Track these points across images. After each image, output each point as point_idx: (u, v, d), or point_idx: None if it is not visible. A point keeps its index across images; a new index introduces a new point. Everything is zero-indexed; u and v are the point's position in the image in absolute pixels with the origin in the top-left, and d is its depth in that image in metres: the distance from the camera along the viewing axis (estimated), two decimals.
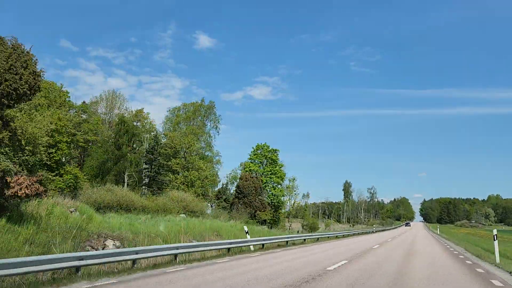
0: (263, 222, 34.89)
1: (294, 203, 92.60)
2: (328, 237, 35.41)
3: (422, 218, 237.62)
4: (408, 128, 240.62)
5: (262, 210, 34.07)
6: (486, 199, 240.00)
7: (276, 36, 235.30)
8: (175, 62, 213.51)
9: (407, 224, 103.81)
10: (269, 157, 43.42)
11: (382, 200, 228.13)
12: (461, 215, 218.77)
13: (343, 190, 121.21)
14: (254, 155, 43.46)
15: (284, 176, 43.38)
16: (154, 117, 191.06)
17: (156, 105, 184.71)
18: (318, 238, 31.60)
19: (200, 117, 41.65)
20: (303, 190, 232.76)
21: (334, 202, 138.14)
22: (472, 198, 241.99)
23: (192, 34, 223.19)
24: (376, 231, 63.79)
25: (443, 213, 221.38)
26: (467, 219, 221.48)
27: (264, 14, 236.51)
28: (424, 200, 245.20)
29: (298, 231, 43.44)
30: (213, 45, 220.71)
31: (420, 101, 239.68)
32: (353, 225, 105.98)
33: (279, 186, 42.26)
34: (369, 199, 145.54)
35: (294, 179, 47.38)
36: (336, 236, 38.73)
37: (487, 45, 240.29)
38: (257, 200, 34.57)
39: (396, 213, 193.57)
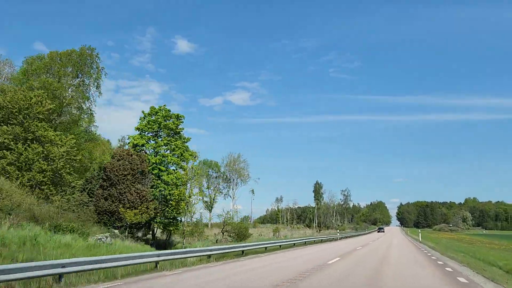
0: (131, 227, 22.11)
1: (213, 199, 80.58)
2: (266, 247, 22.92)
3: (398, 222, 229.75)
4: (385, 134, 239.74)
5: (137, 206, 20.98)
6: (463, 203, 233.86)
7: (257, 41, 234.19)
8: (154, 66, 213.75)
9: (380, 230, 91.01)
10: (167, 127, 28.87)
11: (358, 204, 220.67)
12: (438, 218, 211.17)
13: (313, 191, 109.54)
14: (145, 123, 28.82)
15: (190, 156, 29.13)
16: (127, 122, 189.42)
17: (134, 110, 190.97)
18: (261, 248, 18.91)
19: (70, 68, 28.10)
20: (277, 195, 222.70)
21: (308, 206, 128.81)
22: (448, 202, 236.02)
23: (172, 39, 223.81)
24: (341, 238, 51.72)
25: (420, 217, 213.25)
26: (445, 223, 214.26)
27: (245, 20, 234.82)
28: (401, 204, 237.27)
29: (217, 240, 30.16)
30: (193, 50, 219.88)
31: (396, 108, 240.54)
32: (319, 230, 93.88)
33: (180, 170, 28.55)
34: (342, 202, 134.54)
35: (196, 156, 30.44)
36: (294, 244, 31.07)
37: (461, 54, 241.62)
38: (133, 191, 21.56)
39: (372, 217, 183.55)
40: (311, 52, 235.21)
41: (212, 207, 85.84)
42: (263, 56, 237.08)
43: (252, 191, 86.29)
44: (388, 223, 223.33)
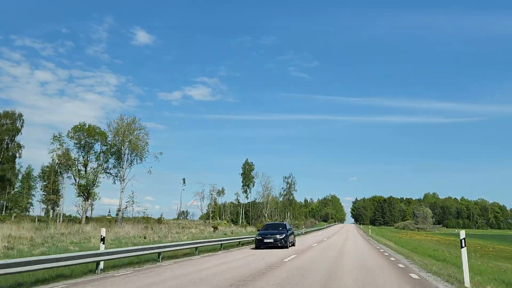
0: None
1: (93, 182, 48.56)
2: None
3: (353, 219, 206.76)
4: (341, 134, 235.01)
5: None
6: (422, 198, 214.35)
7: (217, 36, 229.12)
8: (111, 57, 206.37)
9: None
10: None
11: (311, 199, 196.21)
12: (397, 215, 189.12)
13: (241, 174, 79.47)
14: None
15: None
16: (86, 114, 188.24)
17: (88, 102, 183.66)
18: None
19: None
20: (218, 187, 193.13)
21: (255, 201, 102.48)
22: (405, 198, 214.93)
23: (130, 29, 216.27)
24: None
25: (377, 213, 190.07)
26: (402, 220, 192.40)
27: (205, 14, 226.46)
28: (356, 199, 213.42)
29: None
30: (152, 42, 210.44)
31: (352, 108, 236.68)
32: (245, 227, 63.71)
33: None
34: (285, 192, 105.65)
35: None
36: None
37: (417, 58, 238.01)
38: None
39: (323, 212, 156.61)
40: (271, 49, 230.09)
41: (91, 194, 52.95)
42: (223, 52, 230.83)
43: (149, 171, 53.48)
44: (342, 220, 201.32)
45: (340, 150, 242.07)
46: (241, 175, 77.95)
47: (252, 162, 79.94)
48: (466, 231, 10.11)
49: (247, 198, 79.61)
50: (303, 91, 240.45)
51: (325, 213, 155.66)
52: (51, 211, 74.17)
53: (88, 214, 60.22)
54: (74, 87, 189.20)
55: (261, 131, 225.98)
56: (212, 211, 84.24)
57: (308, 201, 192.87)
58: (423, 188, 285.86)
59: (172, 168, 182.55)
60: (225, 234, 38.88)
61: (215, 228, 47.06)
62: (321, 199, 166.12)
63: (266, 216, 78.36)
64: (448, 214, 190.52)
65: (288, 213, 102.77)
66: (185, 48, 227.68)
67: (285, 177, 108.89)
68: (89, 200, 54.25)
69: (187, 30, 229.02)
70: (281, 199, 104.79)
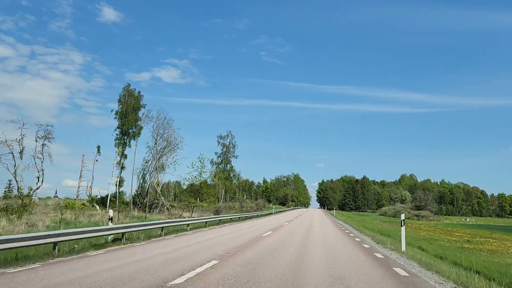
0: None
1: None
2: None
3: (319, 204, 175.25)
4: (309, 121, 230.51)
5: None
6: (398, 180, 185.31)
7: (189, 17, 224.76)
8: (75, 34, 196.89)
9: None
10: None
11: (271, 179, 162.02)
12: (371, 199, 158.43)
13: (117, 115, 42.76)
14: None
15: None
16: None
17: (51, 80, 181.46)
18: None
19: None
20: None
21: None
22: (378, 181, 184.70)
23: (96, 5, 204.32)
24: None
25: (347, 196, 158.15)
26: (377, 205, 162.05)
27: None
28: (323, 181, 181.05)
29: None
30: (120, 20, 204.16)
31: (322, 96, 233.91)
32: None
33: None
34: (219, 157, 69.62)
35: None
36: None
37: (389, 49, 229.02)
38: None
39: (280, 193, 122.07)
40: (243, 33, 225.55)
41: None
42: (194, 34, 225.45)
43: None
44: (306, 204, 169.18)
45: (308, 136, 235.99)
46: (117, 115, 40.85)
47: (138, 91, 42.68)
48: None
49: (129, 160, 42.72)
50: (275, 77, 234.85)
51: (283, 194, 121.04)
52: None
53: None
54: (36, 64, 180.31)
55: (232, 116, 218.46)
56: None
57: (269, 182, 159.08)
58: (398, 171, 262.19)
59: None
60: None
61: None
62: (279, 177, 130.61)
63: (160, 195, 41.71)
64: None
65: (223, 190, 66.65)
66: (154, 28, 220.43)
67: (221, 137, 72.50)
68: None
69: (157, 9, 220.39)
70: (213, 168, 68.57)
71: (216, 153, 70.22)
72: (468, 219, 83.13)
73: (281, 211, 65.72)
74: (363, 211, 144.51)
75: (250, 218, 39.34)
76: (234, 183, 72.72)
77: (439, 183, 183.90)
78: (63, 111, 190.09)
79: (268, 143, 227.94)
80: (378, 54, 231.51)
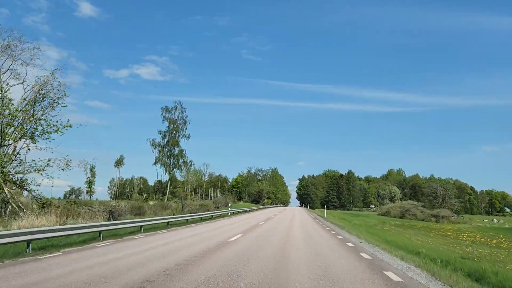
0: None
1: None
2: None
3: (299, 202, 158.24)
4: (293, 119, 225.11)
5: None
6: (385, 175, 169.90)
7: (169, 14, 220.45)
8: (51, 29, 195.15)
9: None
10: None
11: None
12: (357, 195, 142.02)
13: None
14: None
15: None
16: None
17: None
18: None
19: None
20: None
21: None
22: (363, 178, 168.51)
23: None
24: None
25: (331, 193, 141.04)
26: (364, 203, 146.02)
27: None
28: (303, 176, 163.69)
29: None
30: (97, 15, 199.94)
31: (303, 95, 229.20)
32: None
33: None
34: (163, 137, 50.77)
35: None
36: None
37: (367, 48, 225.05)
38: None
39: (254, 189, 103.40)
40: (224, 31, 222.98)
41: None
42: (175, 30, 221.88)
43: None
44: (286, 202, 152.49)
45: (289, 134, 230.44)
46: None
47: None
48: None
49: None
50: (256, 75, 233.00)
51: (257, 189, 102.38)
52: None
53: None
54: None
55: (212, 115, 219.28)
56: None
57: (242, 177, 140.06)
58: (384, 167, 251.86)
59: (111, 147, 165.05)
60: None
61: None
62: (251, 170, 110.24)
63: None
64: (420, 195, 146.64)
65: (168, 183, 47.58)
66: (133, 24, 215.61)
67: (166, 110, 53.73)
68: None
69: (136, 5, 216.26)
70: (154, 152, 49.97)
71: (159, 132, 51.17)
72: (494, 220, 67.94)
73: (246, 211, 47.22)
74: (348, 209, 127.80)
75: (177, 223, 21.37)
76: (184, 177, 53.83)
77: (427, 178, 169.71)
78: None
79: (249, 141, 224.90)
80: (359, 53, 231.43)
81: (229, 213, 35.41)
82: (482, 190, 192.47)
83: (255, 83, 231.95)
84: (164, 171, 49.03)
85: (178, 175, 57.79)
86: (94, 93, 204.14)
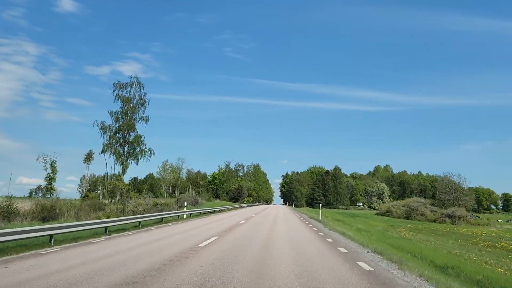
0: None
1: None
2: None
3: (283, 200, 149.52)
4: (276, 118, 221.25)
5: None
6: (372, 171, 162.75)
7: (151, 10, 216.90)
8: (30, 24, 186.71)
9: None
10: None
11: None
12: (344, 193, 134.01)
13: None
14: None
15: None
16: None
17: (3, 72, 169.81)
18: None
19: None
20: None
21: None
22: (348, 175, 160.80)
23: None
24: None
25: (316, 190, 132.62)
26: (351, 200, 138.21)
27: None
28: (287, 173, 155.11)
29: None
30: (78, 10, 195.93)
31: (287, 93, 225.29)
32: None
33: None
34: (115, 120, 40.92)
35: None
36: None
37: (351, 47, 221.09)
38: None
39: (233, 186, 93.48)
40: (207, 28, 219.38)
41: None
42: (157, 27, 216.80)
43: None
44: (269, 200, 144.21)
45: (272, 133, 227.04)
46: None
47: None
48: None
49: None
50: (239, 74, 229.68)
51: (236, 186, 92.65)
52: None
53: None
54: None
55: (195, 113, 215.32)
56: None
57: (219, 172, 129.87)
58: (370, 164, 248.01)
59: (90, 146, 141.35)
60: None
61: None
62: (229, 164, 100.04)
63: None
64: (410, 192, 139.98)
65: (121, 179, 37.74)
66: (114, 20, 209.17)
67: (119, 86, 43.49)
68: None
69: (118, 1, 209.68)
70: (103, 139, 39.90)
71: (110, 113, 41.09)
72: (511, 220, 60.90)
73: (212, 212, 37.36)
74: (335, 207, 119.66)
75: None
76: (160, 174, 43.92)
77: (416, 174, 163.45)
78: (16, 105, 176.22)
79: (230, 140, 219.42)
80: (343, 52, 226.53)
81: (185, 216, 25.92)
82: (469, 187, 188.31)
83: (238, 81, 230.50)
84: (115, 161, 39.42)
85: (134, 166, 48.07)
86: (74, 90, 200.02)
